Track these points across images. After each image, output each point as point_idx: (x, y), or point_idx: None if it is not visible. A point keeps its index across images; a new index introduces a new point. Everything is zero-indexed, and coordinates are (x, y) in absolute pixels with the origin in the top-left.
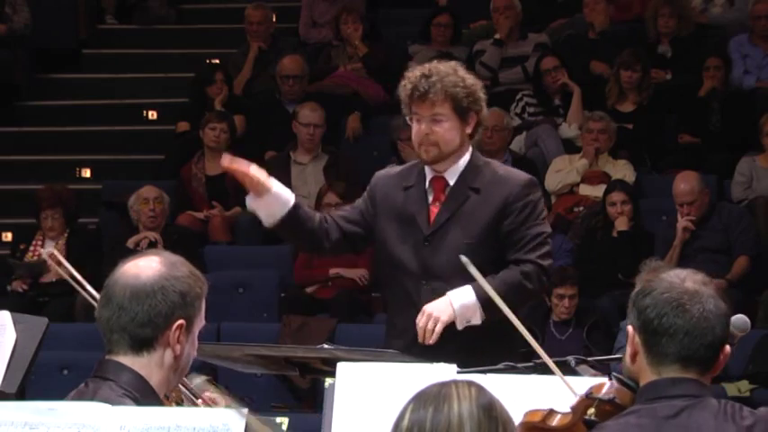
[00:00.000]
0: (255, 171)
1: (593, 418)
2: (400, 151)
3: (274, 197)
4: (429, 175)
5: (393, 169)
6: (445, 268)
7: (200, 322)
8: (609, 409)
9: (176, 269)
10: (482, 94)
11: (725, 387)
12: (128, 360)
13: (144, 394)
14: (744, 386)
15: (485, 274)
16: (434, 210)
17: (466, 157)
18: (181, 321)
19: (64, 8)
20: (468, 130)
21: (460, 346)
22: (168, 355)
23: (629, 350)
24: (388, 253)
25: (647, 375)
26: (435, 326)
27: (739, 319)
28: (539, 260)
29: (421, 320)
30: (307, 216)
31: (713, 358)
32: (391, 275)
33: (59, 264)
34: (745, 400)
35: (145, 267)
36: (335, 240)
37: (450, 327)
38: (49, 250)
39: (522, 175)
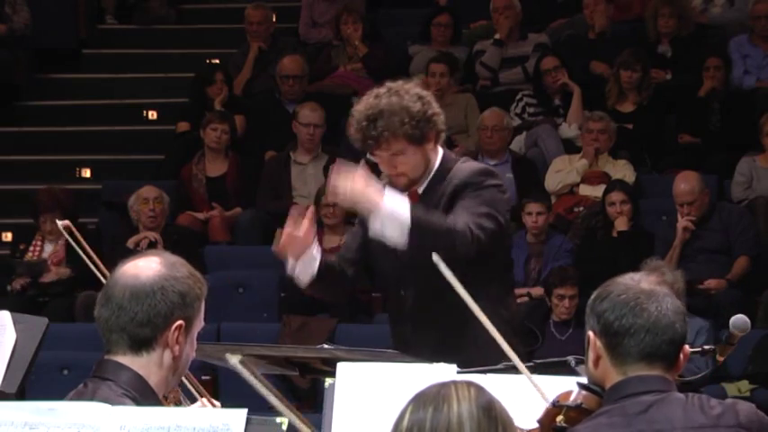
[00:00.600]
0: (295, 231)
1: (562, 424)
2: None
3: (311, 251)
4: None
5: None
6: (419, 271)
7: (199, 323)
8: (577, 415)
9: (176, 270)
10: (434, 110)
11: (725, 387)
12: (126, 360)
13: (143, 394)
14: (744, 386)
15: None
16: None
17: (435, 164)
18: (180, 322)
19: (64, 8)
20: (431, 146)
21: (456, 347)
22: (167, 355)
23: (591, 356)
24: (377, 266)
25: (613, 377)
26: (348, 186)
27: (739, 319)
28: (471, 225)
29: (341, 180)
30: (330, 263)
31: (675, 355)
32: (383, 285)
33: (72, 235)
34: (745, 400)
35: (144, 268)
36: (353, 277)
37: (446, 331)
38: (65, 222)
39: (476, 165)
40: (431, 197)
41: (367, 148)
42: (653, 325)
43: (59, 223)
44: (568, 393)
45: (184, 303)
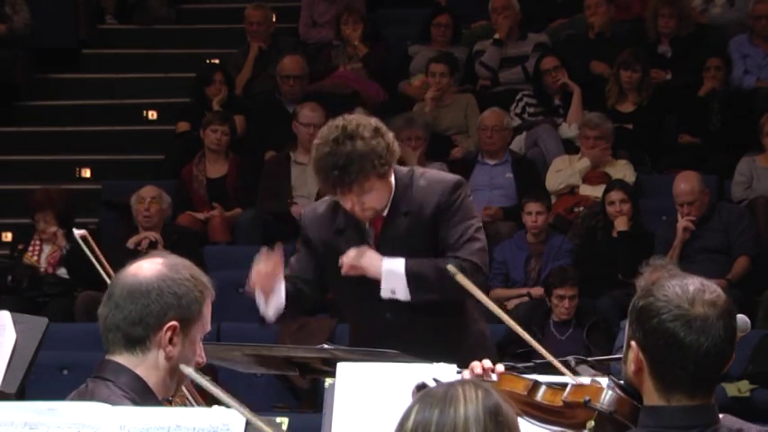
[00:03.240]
0: (266, 267)
1: (592, 431)
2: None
3: (279, 284)
4: None
5: (318, 207)
6: (404, 302)
7: (201, 327)
8: (610, 422)
9: (176, 271)
10: (391, 139)
11: (725, 387)
12: (124, 359)
13: (142, 396)
14: (744, 386)
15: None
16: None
17: (393, 186)
18: (173, 323)
19: (64, 8)
20: (392, 174)
21: (444, 346)
22: (161, 356)
23: (632, 366)
24: (342, 299)
25: (654, 398)
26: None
27: (739, 319)
28: (471, 257)
29: (348, 257)
30: (291, 286)
31: (719, 378)
32: (353, 318)
33: (89, 246)
34: (745, 400)
35: (145, 268)
36: (312, 296)
37: (431, 327)
38: (82, 232)
39: (444, 182)
40: (394, 219)
41: (337, 192)
42: (704, 356)
43: (76, 232)
44: (599, 390)
45: (180, 305)
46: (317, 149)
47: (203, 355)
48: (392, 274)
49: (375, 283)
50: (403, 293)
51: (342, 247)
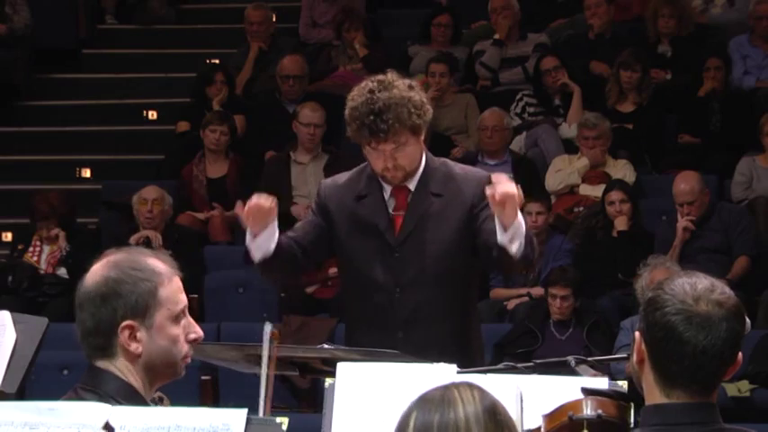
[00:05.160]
0: (262, 201)
1: None
2: None
3: (272, 228)
4: (388, 186)
5: (339, 178)
6: (417, 277)
7: (165, 311)
8: (601, 426)
9: (119, 270)
10: (425, 98)
11: (725, 387)
12: (104, 365)
13: (131, 400)
14: (744, 386)
15: (456, 279)
16: (398, 219)
17: (422, 162)
18: (126, 323)
19: (64, 8)
20: (422, 138)
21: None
22: (130, 358)
23: (635, 357)
24: (353, 267)
25: (656, 395)
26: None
27: None
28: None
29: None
30: (284, 243)
31: (721, 379)
32: (359, 290)
33: None
34: (745, 400)
35: (93, 273)
36: (303, 263)
37: (436, 329)
38: None
39: (479, 173)
40: (422, 197)
41: (372, 142)
42: (700, 354)
43: None
44: (577, 403)
45: (126, 303)
46: (352, 100)
47: (198, 330)
48: (521, 222)
49: (389, 258)
50: (516, 249)
51: (360, 213)
